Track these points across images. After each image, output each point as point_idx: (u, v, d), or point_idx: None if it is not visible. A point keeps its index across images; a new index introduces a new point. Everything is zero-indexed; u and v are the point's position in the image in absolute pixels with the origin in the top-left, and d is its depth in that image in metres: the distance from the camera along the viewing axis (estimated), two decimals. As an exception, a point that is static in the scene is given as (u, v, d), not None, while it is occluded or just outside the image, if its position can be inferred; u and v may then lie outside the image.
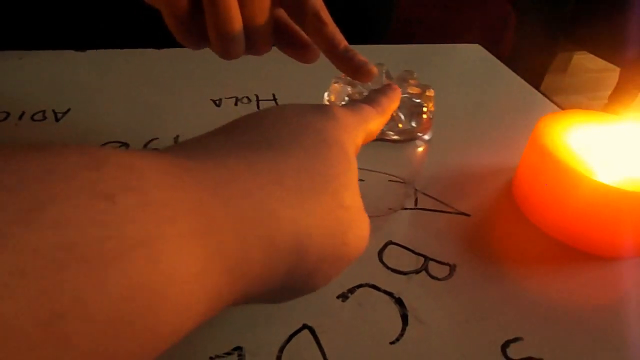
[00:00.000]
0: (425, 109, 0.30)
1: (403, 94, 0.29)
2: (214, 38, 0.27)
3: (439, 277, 0.29)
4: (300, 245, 0.16)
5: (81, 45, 0.53)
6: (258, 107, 0.46)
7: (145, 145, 0.39)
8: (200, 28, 0.28)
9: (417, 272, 0.30)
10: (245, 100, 0.47)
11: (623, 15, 1.29)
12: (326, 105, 0.21)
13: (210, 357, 0.24)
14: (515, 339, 0.26)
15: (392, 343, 0.25)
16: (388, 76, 0.32)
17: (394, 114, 0.28)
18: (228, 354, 0.24)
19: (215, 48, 0.28)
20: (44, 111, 0.43)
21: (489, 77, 0.58)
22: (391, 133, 0.29)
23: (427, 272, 0.30)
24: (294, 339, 0.25)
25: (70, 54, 0.52)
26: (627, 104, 1.67)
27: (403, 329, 0.26)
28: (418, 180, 0.34)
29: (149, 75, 0.50)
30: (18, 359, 0.09)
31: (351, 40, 0.67)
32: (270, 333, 0.25)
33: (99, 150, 0.12)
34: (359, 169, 0.21)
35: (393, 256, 0.31)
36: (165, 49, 0.54)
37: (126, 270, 0.10)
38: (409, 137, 0.29)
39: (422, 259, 0.30)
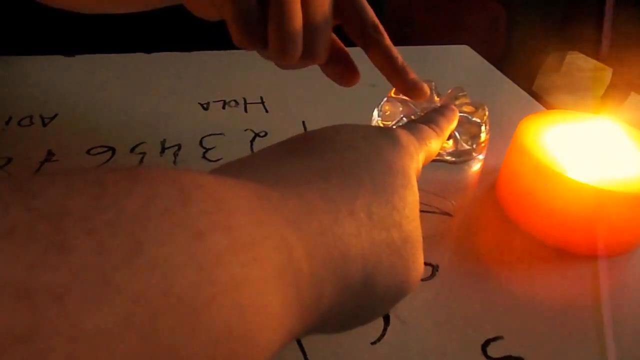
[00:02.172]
0: (483, 129, 0.29)
1: (459, 113, 0.28)
2: (274, 37, 0.26)
3: (422, 277, 0.30)
4: (367, 284, 0.15)
5: (69, 50, 0.53)
6: (246, 110, 0.46)
7: (132, 150, 0.39)
8: (262, 29, 0.27)
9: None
10: (232, 103, 0.47)
11: (613, 14, 1.30)
12: (391, 129, 0.20)
13: None
14: (496, 338, 0.26)
15: (373, 343, 0.25)
16: (437, 93, 0.31)
17: (451, 135, 0.27)
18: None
19: (273, 48, 0.27)
20: (31, 116, 0.43)
21: (477, 78, 0.59)
22: (446, 154, 0.28)
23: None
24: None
25: (58, 59, 0.52)
26: (619, 103, 1.68)
27: (384, 329, 0.26)
28: (468, 200, 0.32)
29: (137, 79, 0.50)
30: None
31: (343, 42, 0.67)
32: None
33: (186, 178, 0.11)
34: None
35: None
36: (153, 54, 0.55)
37: (216, 316, 0.10)
38: (466, 159, 0.28)
39: (405, 260, 0.31)
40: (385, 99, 0.31)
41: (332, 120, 0.45)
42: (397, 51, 0.29)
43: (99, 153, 0.39)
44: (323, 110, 0.48)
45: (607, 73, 1.69)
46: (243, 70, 0.53)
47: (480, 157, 0.29)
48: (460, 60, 0.63)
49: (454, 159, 0.28)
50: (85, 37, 0.54)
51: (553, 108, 0.36)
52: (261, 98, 0.49)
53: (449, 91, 0.32)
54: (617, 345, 0.26)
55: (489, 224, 0.35)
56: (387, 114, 0.30)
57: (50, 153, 0.38)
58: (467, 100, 0.31)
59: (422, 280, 0.29)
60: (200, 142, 0.41)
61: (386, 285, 0.16)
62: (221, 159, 0.39)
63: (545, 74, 1.80)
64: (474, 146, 0.28)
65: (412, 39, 0.64)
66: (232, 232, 0.11)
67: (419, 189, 0.24)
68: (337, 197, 0.15)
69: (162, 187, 0.11)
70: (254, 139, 0.42)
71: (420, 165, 0.20)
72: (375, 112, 0.30)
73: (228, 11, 0.26)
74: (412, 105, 0.30)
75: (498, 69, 0.60)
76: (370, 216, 0.16)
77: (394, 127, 0.20)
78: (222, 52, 0.56)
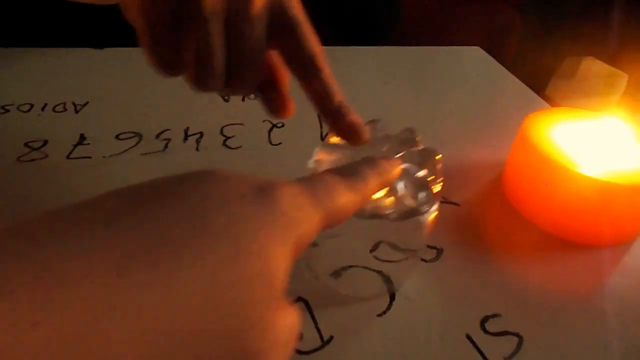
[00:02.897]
0: (433, 181, 0.25)
1: (406, 161, 0.25)
2: (190, 66, 0.23)
3: (427, 259, 0.32)
4: None
5: (99, 43, 0.56)
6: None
7: (157, 136, 0.42)
8: (178, 53, 0.24)
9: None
10: (252, 95, 0.49)
11: (627, 20, 1.29)
12: (269, 185, 0.16)
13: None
14: (494, 315, 0.28)
15: (379, 315, 0.27)
16: (387, 138, 0.27)
17: (393, 190, 0.24)
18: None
19: (189, 77, 0.24)
20: (64, 103, 0.46)
21: (487, 77, 0.60)
22: (391, 212, 0.24)
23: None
24: (289, 310, 0.27)
25: (89, 51, 0.55)
26: (636, 109, 1.67)
27: (390, 304, 0.28)
28: (424, 249, 0.29)
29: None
30: None
31: (356, 42, 0.69)
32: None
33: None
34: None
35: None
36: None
37: None
38: (413, 214, 0.24)
39: (411, 243, 0.33)
40: (318, 147, 0.27)
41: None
42: (336, 88, 0.25)
43: (127, 138, 0.41)
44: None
45: (623, 79, 1.68)
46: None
47: (433, 208, 0.25)
48: (472, 61, 0.64)
49: (394, 215, 0.24)
50: (114, 31, 0.57)
51: (601, 111, 0.38)
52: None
53: (399, 135, 0.28)
54: (614, 329, 0.28)
55: (494, 213, 0.37)
56: (319, 162, 0.26)
57: (82, 137, 0.41)
58: (419, 147, 0.27)
59: (427, 261, 0.31)
60: (221, 131, 0.43)
61: None
62: (240, 146, 0.41)
63: (560, 78, 1.80)
64: (422, 200, 0.24)
65: (426, 40, 0.66)
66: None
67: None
68: (139, 279, 0.12)
69: None
70: (271, 129, 0.44)
71: (311, 231, 0.16)
72: (310, 161, 0.26)
73: (140, 33, 0.23)
74: (350, 152, 0.26)
75: (510, 71, 0.62)
76: (184, 316, 0.12)
77: (285, 181, 0.16)
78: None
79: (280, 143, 0.42)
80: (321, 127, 0.46)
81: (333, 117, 0.25)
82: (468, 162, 0.42)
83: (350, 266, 0.27)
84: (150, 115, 0.44)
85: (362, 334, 0.26)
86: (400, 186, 0.24)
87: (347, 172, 0.19)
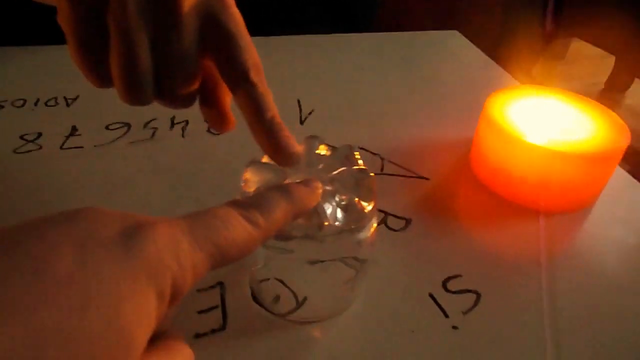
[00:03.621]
0: (367, 198, 0.24)
1: (341, 178, 0.24)
2: (116, 74, 0.22)
3: (395, 228, 0.34)
4: None
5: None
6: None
7: (145, 125, 0.44)
8: (105, 65, 0.23)
9: (377, 224, 0.34)
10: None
11: (614, 2, 1.31)
12: (140, 225, 0.14)
13: (197, 290, 0.29)
14: (456, 276, 0.31)
15: (340, 312, 0.30)
16: (322, 157, 0.26)
17: (321, 211, 0.23)
18: (212, 287, 0.29)
19: (116, 89, 0.23)
20: (56, 98, 0.48)
21: (463, 60, 0.63)
22: (321, 233, 0.23)
23: (385, 224, 0.34)
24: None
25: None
26: (622, 90, 1.69)
27: (350, 298, 0.31)
28: (366, 272, 0.28)
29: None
30: None
31: (337, 30, 0.71)
32: (246, 273, 0.30)
33: None
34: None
35: (357, 213, 0.35)
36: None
37: None
38: (344, 234, 0.23)
39: (382, 214, 0.35)
40: (247, 163, 0.25)
41: (324, 98, 0.50)
42: (268, 105, 0.24)
43: (116, 128, 0.44)
44: (317, 90, 0.52)
45: (611, 60, 1.70)
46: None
47: (362, 235, 0.24)
48: (449, 45, 0.67)
49: (327, 238, 0.23)
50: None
51: (556, 88, 0.40)
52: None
53: (337, 149, 0.27)
54: (561, 286, 0.31)
55: (461, 186, 0.39)
56: (247, 182, 0.24)
57: (74, 128, 0.43)
58: (356, 165, 0.26)
59: (396, 230, 0.34)
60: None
61: None
62: (224, 132, 0.44)
63: (548, 61, 1.81)
64: (350, 221, 0.23)
65: (407, 27, 0.68)
66: None
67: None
68: None
69: None
70: (253, 116, 0.47)
71: (194, 273, 0.15)
72: (243, 179, 0.25)
73: (68, 37, 0.23)
74: (283, 172, 0.25)
75: (494, 54, 0.64)
76: None
77: (164, 221, 0.15)
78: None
79: (261, 128, 0.45)
80: (300, 111, 0.48)
81: (262, 135, 0.23)
82: (441, 139, 0.45)
83: (293, 292, 0.26)
84: (138, 106, 0.47)
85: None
86: (328, 207, 0.23)
87: (250, 203, 0.18)
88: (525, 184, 0.35)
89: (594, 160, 0.34)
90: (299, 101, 0.49)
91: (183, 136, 0.43)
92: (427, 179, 0.39)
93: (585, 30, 1.48)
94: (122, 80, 0.22)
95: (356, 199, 0.24)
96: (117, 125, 0.44)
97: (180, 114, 0.46)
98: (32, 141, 0.41)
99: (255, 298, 0.29)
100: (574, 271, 0.32)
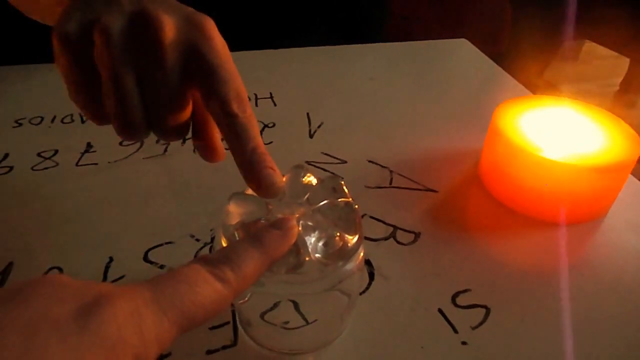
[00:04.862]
0: (351, 231, 0.24)
1: (325, 211, 0.24)
2: (109, 111, 0.23)
3: (405, 242, 0.34)
4: None
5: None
6: (256, 104, 0.51)
7: (158, 140, 0.45)
8: (100, 107, 0.24)
9: (385, 239, 0.35)
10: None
11: (626, 3, 1.29)
12: (99, 299, 0.14)
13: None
14: (465, 290, 0.31)
15: (361, 293, 0.30)
16: (308, 186, 0.26)
17: (303, 248, 0.22)
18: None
19: (113, 126, 0.24)
20: (72, 114, 0.49)
21: (472, 68, 0.63)
22: (303, 269, 0.22)
23: (394, 238, 0.35)
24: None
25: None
26: (638, 92, 1.67)
27: (369, 283, 0.31)
28: (355, 301, 0.27)
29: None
30: None
31: (347, 41, 0.72)
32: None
33: None
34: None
35: (366, 226, 0.36)
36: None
37: None
38: (328, 269, 0.23)
39: (391, 228, 0.35)
40: (231, 195, 0.25)
41: (333, 110, 0.50)
42: (254, 134, 0.24)
43: (130, 144, 0.45)
44: (326, 102, 0.53)
45: (625, 61, 1.67)
46: (254, 69, 0.58)
47: (348, 266, 0.23)
48: (458, 53, 0.67)
49: (311, 273, 0.22)
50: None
51: (565, 97, 0.40)
52: (270, 94, 0.54)
53: (324, 179, 0.26)
54: (574, 300, 0.31)
55: (471, 198, 0.39)
56: (230, 215, 0.24)
57: (89, 145, 0.44)
58: (341, 196, 0.25)
59: (405, 244, 0.34)
60: (216, 133, 0.47)
61: None
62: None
63: (562, 62, 1.80)
64: (333, 256, 0.23)
65: (416, 34, 0.68)
66: None
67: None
68: None
69: None
70: (263, 129, 0.47)
71: (160, 341, 0.15)
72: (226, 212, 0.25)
73: (65, 82, 0.24)
74: (266, 204, 0.24)
75: (505, 60, 0.64)
76: None
77: (126, 290, 0.15)
78: (233, 53, 0.61)
79: (271, 142, 0.45)
80: (310, 124, 0.48)
81: (243, 165, 0.23)
82: (450, 151, 0.45)
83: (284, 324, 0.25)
84: (135, 141, 0.48)
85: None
86: (310, 241, 0.23)
87: (219, 258, 0.18)
88: (535, 196, 0.35)
89: (606, 173, 0.33)
90: (308, 114, 0.50)
91: (194, 151, 0.44)
92: (436, 191, 0.39)
93: (597, 32, 1.46)
94: (116, 118, 0.23)
95: (338, 233, 0.23)
96: (131, 141, 0.45)
97: (192, 128, 0.47)
98: (49, 158, 0.43)
99: (263, 318, 0.29)
100: (588, 283, 0.31)
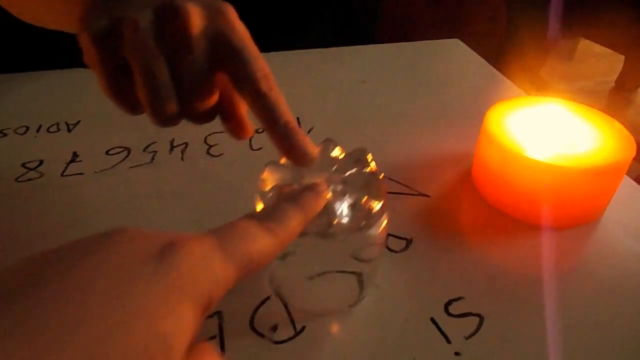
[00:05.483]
0: (376, 198, 0.26)
1: (352, 180, 0.26)
2: (143, 102, 0.25)
3: (396, 249, 0.34)
4: None
5: (66, 64, 0.58)
6: (246, 110, 0.51)
7: (145, 149, 0.44)
8: (133, 93, 0.26)
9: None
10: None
11: (620, 1, 1.29)
12: (173, 242, 0.16)
13: (195, 320, 0.28)
14: (458, 298, 0.30)
15: (351, 306, 0.30)
16: (336, 159, 0.28)
17: (332, 211, 0.24)
18: (210, 316, 0.29)
19: (147, 113, 0.26)
20: (57, 123, 0.48)
21: (465, 69, 0.62)
22: (333, 231, 0.24)
23: (386, 246, 0.34)
24: (265, 304, 0.29)
25: (78, 71, 0.58)
26: (633, 89, 1.66)
27: (360, 293, 0.30)
28: (376, 269, 0.30)
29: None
30: None
31: (339, 43, 0.71)
32: (245, 300, 0.30)
33: None
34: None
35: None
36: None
37: None
38: (354, 232, 0.25)
39: (382, 235, 0.35)
40: (266, 165, 0.27)
41: (323, 114, 0.49)
42: (282, 110, 0.26)
43: (116, 153, 0.44)
44: (317, 106, 0.52)
45: (621, 58, 1.67)
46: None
47: (372, 231, 0.25)
48: (451, 54, 0.66)
49: (339, 235, 0.24)
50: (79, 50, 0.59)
51: (560, 96, 0.39)
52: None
53: (351, 152, 0.28)
54: (569, 307, 0.30)
55: (463, 203, 0.38)
56: (264, 182, 0.26)
57: (75, 154, 0.44)
58: (368, 167, 0.27)
59: (396, 252, 0.33)
60: (205, 140, 0.46)
61: None
62: (222, 154, 0.44)
63: (557, 60, 1.79)
64: (360, 219, 0.25)
65: (412, 35, 0.67)
66: None
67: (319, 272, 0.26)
68: None
69: None
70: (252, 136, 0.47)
71: (226, 283, 0.16)
72: (262, 178, 0.27)
73: (98, 76, 0.26)
74: (299, 172, 0.26)
75: (499, 59, 0.63)
76: None
77: (194, 236, 0.16)
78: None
79: (260, 148, 0.45)
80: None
81: (278, 139, 0.25)
82: (442, 154, 0.44)
83: (311, 277, 0.27)
84: (137, 130, 0.47)
85: (334, 322, 0.28)
86: (338, 207, 0.25)
87: (265, 215, 0.20)
88: (529, 200, 0.35)
89: (600, 174, 0.33)
90: (298, 119, 0.49)
91: (182, 159, 0.43)
92: (427, 196, 0.39)
93: (592, 30, 1.46)
94: (149, 105, 0.25)
95: (365, 198, 0.26)
96: (117, 150, 0.44)
97: (180, 136, 0.46)
98: (33, 169, 0.42)
99: (253, 326, 0.28)
100: (584, 289, 0.31)
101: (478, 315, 0.29)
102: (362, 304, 0.29)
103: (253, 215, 0.19)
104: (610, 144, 0.34)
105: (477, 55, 0.64)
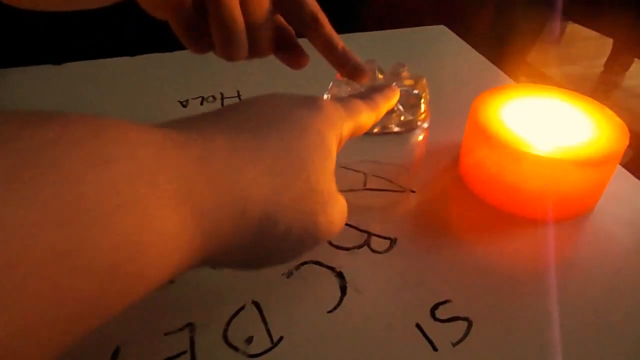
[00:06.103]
0: (422, 100, 0.32)
1: (400, 87, 0.31)
2: (218, 40, 0.29)
3: (380, 250, 0.32)
4: (268, 219, 0.18)
5: (57, 59, 0.56)
6: (222, 104, 0.48)
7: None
8: (206, 33, 0.29)
9: (359, 247, 0.32)
10: (210, 99, 0.49)
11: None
12: (315, 97, 0.22)
13: (165, 334, 0.26)
14: (445, 302, 0.28)
15: (329, 312, 0.28)
16: (380, 71, 0.33)
17: (395, 108, 0.31)
18: (180, 329, 0.27)
19: (219, 50, 0.30)
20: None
21: (451, 56, 0.60)
22: (393, 126, 0.31)
23: (368, 246, 0.32)
24: (240, 314, 0.28)
25: (48, 68, 0.55)
26: (622, 72, 1.65)
27: (341, 299, 0.28)
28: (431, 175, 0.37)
29: (120, 82, 0.53)
30: (22, 287, 0.10)
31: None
32: (219, 309, 0.28)
33: (99, 120, 0.14)
34: (366, 161, 0.29)
35: (339, 234, 0.33)
36: (137, 56, 0.57)
37: (117, 223, 0.12)
38: (410, 128, 0.32)
39: (365, 235, 0.33)
40: (332, 82, 0.33)
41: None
42: (337, 38, 0.31)
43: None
44: (302, 93, 0.50)
45: (609, 41, 1.65)
46: (219, 67, 0.55)
47: (425, 125, 0.33)
48: (437, 40, 0.64)
49: (399, 129, 0.32)
50: (71, 46, 0.56)
51: (549, 80, 0.38)
52: (237, 92, 0.51)
53: (390, 68, 0.34)
54: (556, 305, 0.28)
55: (450, 197, 0.37)
56: (331, 97, 0.32)
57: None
58: (407, 74, 0.34)
59: (380, 252, 0.31)
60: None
61: (287, 226, 0.19)
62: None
63: (545, 44, 1.77)
64: (415, 116, 0.32)
65: (398, 22, 0.65)
66: (134, 160, 0.14)
67: (379, 162, 0.34)
68: (244, 147, 0.18)
69: (75, 125, 0.13)
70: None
71: (346, 133, 0.23)
72: (325, 95, 0.33)
73: (171, 20, 0.29)
74: (357, 86, 0.32)
75: (486, 45, 0.61)
76: (273, 166, 0.18)
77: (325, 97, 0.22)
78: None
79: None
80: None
81: (339, 62, 0.31)
82: (428, 147, 0.42)
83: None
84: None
85: (312, 332, 0.27)
86: (399, 106, 0.31)
87: (364, 96, 0.26)
88: (519, 193, 0.33)
89: (594, 166, 0.31)
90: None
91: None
92: (413, 191, 0.37)
93: (579, 14, 1.44)
94: (225, 44, 0.29)
95: (417, 97, 0.32)
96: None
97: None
98: None
99: (227, 339, 0.26)
100: (578, 284, 0.29)
101: (466, 319, 0.27)
102: (343, 309, 0.28)
103: (357, 95, 0.26)
104: (604, 134, 0.32)
105: (464, 43, 0.62)
